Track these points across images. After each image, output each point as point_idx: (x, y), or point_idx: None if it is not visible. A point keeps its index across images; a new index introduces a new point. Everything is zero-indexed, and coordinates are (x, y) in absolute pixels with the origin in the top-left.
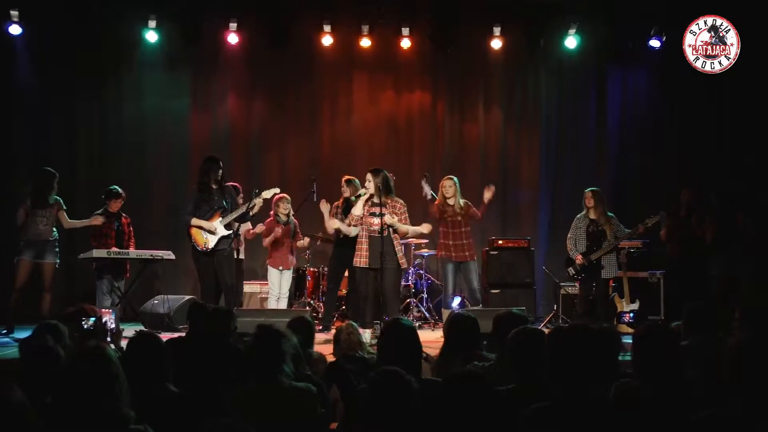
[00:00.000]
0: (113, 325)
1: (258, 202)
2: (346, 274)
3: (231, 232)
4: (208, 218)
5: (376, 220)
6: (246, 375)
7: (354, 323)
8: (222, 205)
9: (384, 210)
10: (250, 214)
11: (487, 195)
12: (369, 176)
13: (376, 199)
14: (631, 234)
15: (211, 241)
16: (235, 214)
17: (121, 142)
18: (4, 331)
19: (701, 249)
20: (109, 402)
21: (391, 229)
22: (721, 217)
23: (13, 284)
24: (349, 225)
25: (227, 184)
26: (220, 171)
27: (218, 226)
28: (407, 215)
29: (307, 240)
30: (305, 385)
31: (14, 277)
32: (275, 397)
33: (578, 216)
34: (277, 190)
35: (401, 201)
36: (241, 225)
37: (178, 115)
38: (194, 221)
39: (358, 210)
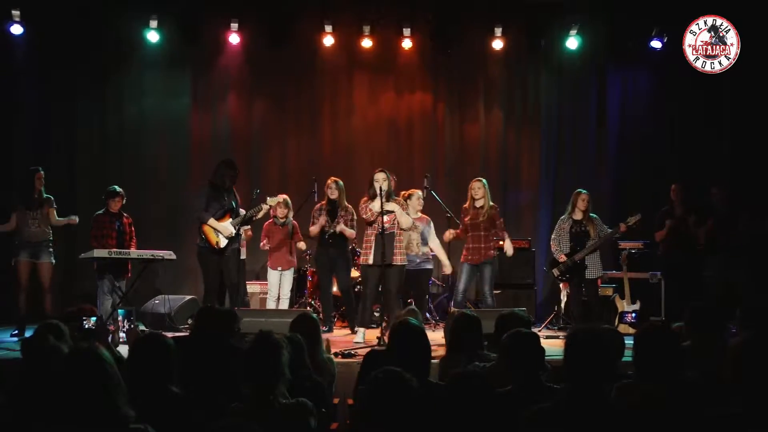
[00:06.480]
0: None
1: (264, 207)
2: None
3: (238, 233)
4: (219, 218)
5: (386, 218)
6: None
7: (415, 308)
8: (231, 207)
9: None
10: (255, 218)
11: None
12: (383, 176)
13: (384, 198)
14: (613, 233)
15: (223, 241)
16: (244, 217)
17: (121, 142)
18: (16, 332)
19: (696, 249)
20: (107, 401)
21: (396, 228)
22: (720, 218)
23: (18, 286)
24: (369, 221)
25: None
26: (236, 178)
27: (232, 229)
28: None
29: (303, 245)
30: (297, 402)
31: (17, 279)
32: (265, 418)
33: (562, 217)
34: (285, 197)
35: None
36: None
37: (178, 115)
38: (211, 221)
39: (377, 206)
